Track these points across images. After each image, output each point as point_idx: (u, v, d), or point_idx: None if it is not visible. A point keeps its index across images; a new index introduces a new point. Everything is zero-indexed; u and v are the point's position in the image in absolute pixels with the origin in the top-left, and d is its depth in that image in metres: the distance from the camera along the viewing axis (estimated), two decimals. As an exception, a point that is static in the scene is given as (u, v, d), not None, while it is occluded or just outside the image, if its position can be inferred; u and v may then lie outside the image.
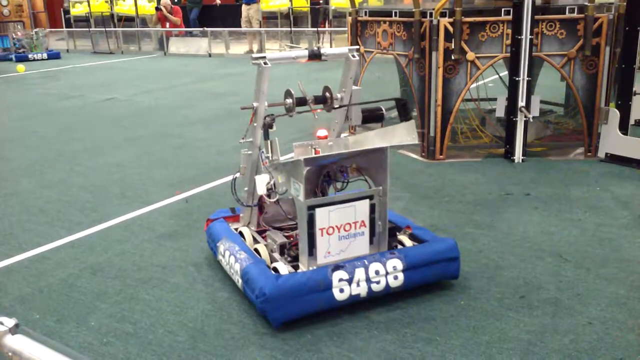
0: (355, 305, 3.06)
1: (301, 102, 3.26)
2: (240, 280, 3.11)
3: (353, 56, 3.33)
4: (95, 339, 2.88)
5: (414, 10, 5.38)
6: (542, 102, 5.65)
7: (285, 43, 15.67)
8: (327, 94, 3.35)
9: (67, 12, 20.29)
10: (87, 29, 18.43)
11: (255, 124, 3.24)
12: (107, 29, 18.01)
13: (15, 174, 5.67)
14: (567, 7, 5.24)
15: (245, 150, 3.35)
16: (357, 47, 3.45)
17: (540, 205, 4.38)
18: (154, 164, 5.85)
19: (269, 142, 3.17)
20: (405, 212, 4.11)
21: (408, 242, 3.31)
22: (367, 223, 3.10)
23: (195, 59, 15.18)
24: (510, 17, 5.15)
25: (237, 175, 3.45)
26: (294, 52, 3.34)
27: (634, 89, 5.24)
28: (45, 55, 16.14)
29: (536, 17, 5.08)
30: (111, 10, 18.59)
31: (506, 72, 5.53)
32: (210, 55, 15.49)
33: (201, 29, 16.55)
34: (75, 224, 4.34)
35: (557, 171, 5.12)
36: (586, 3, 5.12)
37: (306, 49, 3.36)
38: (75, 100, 9.64)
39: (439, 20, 5.22)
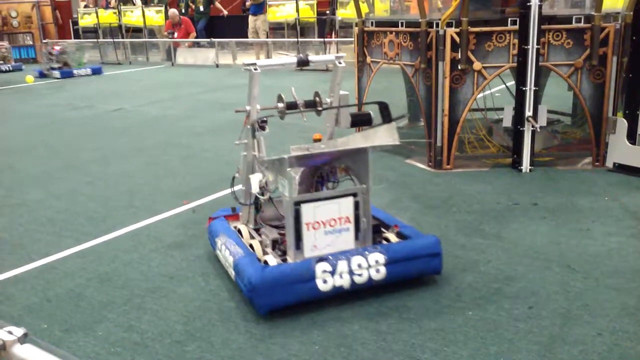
0: (363, 316, 3.06)
1: (292, 106, 3.48)
2: (232, 272, 3.31)
3: (339, 63, 3.54)
4: (102, 348, 2.88)
5: (420, 20, 5.40)
6: (549, 111, 5.64)
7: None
8: (317, 99, 3.55)
9: (75, 23, 20.44)
10: (96, 40, 18.57)
11: (248, 126, 3.46)
12: (115, 39, 18.14)
13: (23, 184, 5.70)
14: (574, 17, 5.24)
15: (242, 152, 3.57)
16: (343, 54, 3.65)
17: (548, 215, 4.36)
18: (162, 174, 5.87)
19: (255, 140, 3.43)
20: (412, 222, 4.10)
21: (394, 239, 3.46)
22: (351, 219, 3.27)
23: (202, 69, 15.26)
24: (516, 27, 5.16)
25: (236, 175, 3.67)
26: (282, 59, 3.62)
27: (641, 99, 5.23)
28: (89, 71, 14.65)
29: (543, 27, 5.09)
30: (119, 21, 18.71)
31: (513, 82, 5.53)
32: (217, 66, 15.56)
33: (208, 39, 16.63)
34: (83, 234, 4.35)
35: (565, 181, 5.10)
36: (593, 13, 5.12)
37: (295, 56, 3.55)
38: (84, 111, 9.70)
39: (445, 31, 5.23)
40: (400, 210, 4.46)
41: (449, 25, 5.29)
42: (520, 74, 5.21)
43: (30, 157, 6.78)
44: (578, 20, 5.21)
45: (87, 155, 6.73)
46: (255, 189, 3.40)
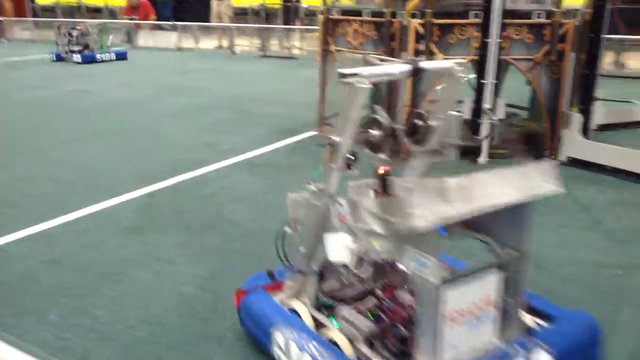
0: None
1: (391, 133, 2.42)
2: None
3: (458, 73, 2.47)
4: (53, 334, 2.83)
5: (384, 10, 5.41)
6: (507, 105, 5.73)
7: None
8: (418, 122, 2.45)
9: (32, 0, 19.89)
10: (54, 19, 18.09)
11: (333, 166, 2.30)
12: (74, 19, 17.70)
13: (-25, 165, 5.54)
14: (535, 12, 5.33)
15: (302, 195, 2.47)
16: (462, 60, 2.62)
17: (503, 206, 4.43)
18: (122, 157, 5.77)
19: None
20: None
21: (527, 319, 2.46)
22: (497, 302, 2.25)
23: (164, 53, 15.01)
24: (479, 20, 5.22)
25: (287, 229, 2.56)
26: (391, 67, 2.51)
27: (595, 95, 5.36)
28: (113, 55, 13.26)
29: (504, 21, 5.16)
30: (79, 1, 18.28)
31: (474, 75, 5.59)
32: (179, 50, 15.33)
33: (171, 23, 16.38)
34: (38, 216, 4.24)
35: (521, 173, 5.19)
36: (553, 9, 5.22)
37: (405, 62, 2.47)
38: (42, 92, 9.44)
39: (409, 21, 5.25)
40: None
41: (413, 16, 5.32)
42: (480, 67, 5.28)
43: (-17, 137, 6.59)
44: (539, 16, 5.30)
45: (45, 137, 6.55)
46: (343, 257, 2.28)
